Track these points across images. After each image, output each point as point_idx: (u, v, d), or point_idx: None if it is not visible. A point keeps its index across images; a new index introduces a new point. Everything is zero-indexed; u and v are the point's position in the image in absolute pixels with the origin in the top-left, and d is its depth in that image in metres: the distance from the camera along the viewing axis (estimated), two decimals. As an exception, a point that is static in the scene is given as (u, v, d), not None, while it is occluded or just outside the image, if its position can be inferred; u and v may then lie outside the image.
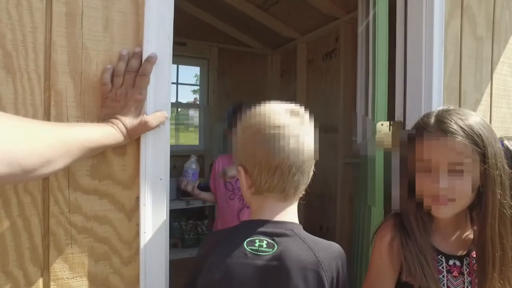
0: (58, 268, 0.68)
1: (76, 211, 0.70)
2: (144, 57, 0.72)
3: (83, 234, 0.71)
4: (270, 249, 0.63)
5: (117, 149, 0.73)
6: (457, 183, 0.68)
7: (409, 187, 0.72)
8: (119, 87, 0.70)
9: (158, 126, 0.74)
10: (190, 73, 3.64)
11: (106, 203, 0.73)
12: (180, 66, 3.48)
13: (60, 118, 0.68)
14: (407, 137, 0.74)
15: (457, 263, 0.74)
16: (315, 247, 0.65)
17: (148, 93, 0.73)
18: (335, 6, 2.63)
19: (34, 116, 0.66)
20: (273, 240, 0.64)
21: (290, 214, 0.69)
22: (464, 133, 0.68)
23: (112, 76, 0.71)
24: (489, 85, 1.36)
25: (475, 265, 0.74)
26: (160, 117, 0.73)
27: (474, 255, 0.75)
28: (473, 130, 0.68)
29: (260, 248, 0.63)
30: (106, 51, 0.72)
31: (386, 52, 1.36)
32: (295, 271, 0.61)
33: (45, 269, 0.67)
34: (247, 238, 0.64)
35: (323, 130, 2.97)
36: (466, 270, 0.74)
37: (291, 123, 0.67)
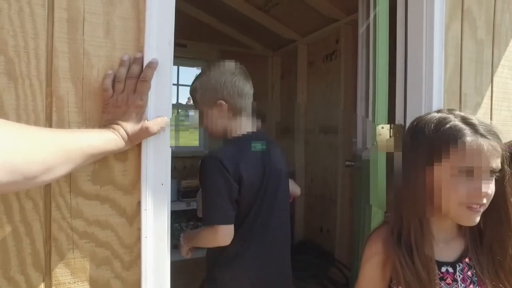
0: (60, 273, 0.68)
1: (78, 216, 0.70)
2: (145, 62, 0.73)
3: (85, 239, 0.71)
4: (263, 145, 1.10)
5: (118, 154, 0.73)
6: (492, 186, 0.68)
7: (428, 195, 0.69)
8: (120, 93, 0.71)
9: (159, 131, 0.74)
10: (191, 72, 3.63)
11: (108, 208, 0.73)
12: (181, 66, 3.48)
13: (61, 124, 0.69)
14: (439, 141, 0.68)
15: (450, 269, 0.73)
16: (269, 135, 1.22)
17: (149, 98, 0.73)
18: (335, 8, 2.63)
19: (36, 122, 0.66)
20: (260, 140, 1.10)
21: (254, 125, 1.15)
22: (496, 134, 0.68)
23: (113, 82, 0.71)
24: (490, 88, 1.36)
25: (469, 271, 0.73)
26: (161, 122, 0.73)
27: (468, 261, 0.74)
28: (497, 131, 0.69)
29: (259, 147, 1.09)
30: (107, 57, 0.72)
31: (387, 55, 1.36)
32: (276, 148, 1.17)
33: (46, 274, 0.67)
34: (250, 145, 1.07)
35: (323, 131, 2.97)
36: (459, 276, 0.73)
37: (243, 69, 1.16)
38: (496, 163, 0.67)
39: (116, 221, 0.74)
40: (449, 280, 0.72)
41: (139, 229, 0.75)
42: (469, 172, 0.66)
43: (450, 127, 0.68)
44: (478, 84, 1.32)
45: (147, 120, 0.73)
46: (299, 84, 3.23)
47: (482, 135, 0.66)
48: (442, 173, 0.68)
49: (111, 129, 0.69)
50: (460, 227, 0.75)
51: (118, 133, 0.70)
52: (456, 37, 1.26)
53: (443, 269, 0.73)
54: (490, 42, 1.35)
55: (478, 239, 0.74)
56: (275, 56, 3.67)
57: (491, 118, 1.36)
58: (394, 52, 1.33)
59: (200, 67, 3.47)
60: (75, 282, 0.70)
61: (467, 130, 0.67)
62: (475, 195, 0.66)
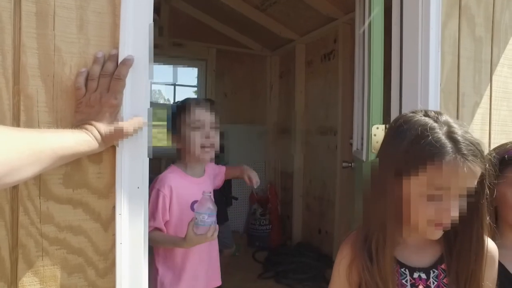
0: (27, 282, 0.65)
1: (48, 221, 0.67)
2: (121, 59, 0.69)
3: (56, 246, 0.67)
4: None
5: (93, 156, 0.70)
6: (461, 206, 0.64)
7: (396, 206, 0.66)
8: (93, 92, 0.67)
9: (134, 132, 0.70)
10: (189, 72, 3.59)
11: (81, 212, 0.70)
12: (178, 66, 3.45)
13: (30, 124, 0.65)
14: (416, 155, 0.64)
15: (423, 275, 0.70)
16: None
17: (124, 97, 0.70)
18: (333, 7, 2.60)
19: (2, 122, 0.63)
20: None
21: None
22: (480, 153, 0.63)
23: (87, 80, 0.67)
24: (489, 87, 1.31)
25: (445, 278, 0.69)
26: (136, 123, 0.70)
27: (444, 267, 0.70)
28: (482, 149, 0.64)
29: None
30: (80, 54, 0.68)
31: (381, 54, 1.32)
32: None
33: (12, 284, 0.64)
34: None
35: (322, 132, 2.92)
36: (433, 283, 0.69)
37: None
38: (472, 184, 0.63)
39: (90, 227, 0.70)
40: (421, 287, 0.69)
41: (114, 235, 0.71)
42: (441, 193, 0.62)
43: (431, 142, 0.63)
44: (476, 83, 1.28)
45: (122, 121, 0.69)
46: (297, 84, 3.19)
47: (463, 155, 0.61)
48: (414, 187, 0.64)
49: (83, 130, 0.66)
50: None
51: (91, 133, 0.66)
52: (454, 35, 1.22)
53: (415, 275, 0.70)
54: (489, 40, 1.31)
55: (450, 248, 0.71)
56: (273, 56, 3.64)
57: (490, 118, 1.32)
58: (390, 51, 1.29)
59: (197, 67, 3.43)
60: (44, 291, 0.66)
61: (448, 148, 0.62)
62: (443, 216, 0.63)
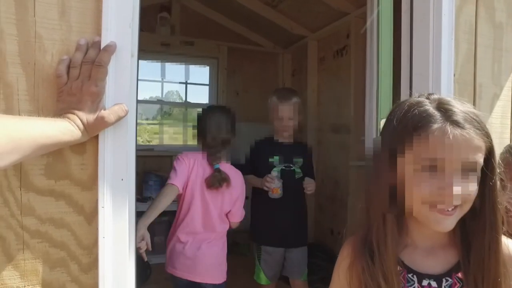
0: (7, 275, 0.63)
1: (29, 213, 0.65)
2: (103, 46, 0.66)
3: (37, 239, 0.65)
4: None
5: (75, 146, 0.67)
6: (466, 186, 0.56)
7: (392, 194, 0.60)
8: (75, 80, 0.65)
9: (117, 120, 0.67)
10: (201, 71, 3.58)
11: (63, 205, 0.67)
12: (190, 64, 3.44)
13: (10, 113, 0.63)
14: (402, 130, 0.59)
15: (433, 283, 0.62)
16: None
17: (107, 86, 0.67)
18: (345, 1, 2.52)
19: (-19, 110, 0.61)
20: None
21: None
22: (478, 123, 0.56)
23: (69, 67, 0.65)
24: (510, 78, 1.21)
25: (463, 287, 0.61)
26: (118, 111, 0.67)
27: (461, 276, 0.62)
28: (482, 120, 0.57)
29: None
30: (62, 41, 0.66)
31: (390, 45, 1.25)
32: None
33: (-10, 277, 0.62)
34: None
35: (334, 130, 2.84)
36: None
37: None
38: (473, 158, 0.55)
39: (73, 220, 0.68)
40: None
41: (98, 229, 0.69)
42: (433, 166, 0.55)
43: (417, 113, 0.57)
44: (496, 74, 1.18)
45: (105, 109, 0.67)
46: (310, 81, 3.12)
47: (454, 123, 0.54)
48: (406, 166, 0.57)
49: (66, 119, 0.64)
50: (450, 235, 0.64)
51: (74, 122, 0.64)
52: (470, 21, 1.13)
53: (425, 282, 0.62)
54: (511, 27, 1.21)
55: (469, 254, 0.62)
56: (285, 53, 3.57)
57: (511, 111, 1.22)
58: (401, 43, 1.21)
59: (208, 66, 3.42)
60: (25, 286, 0.64)
61: (436, 117, 0.55)
62: (440, 194, 0.55)
